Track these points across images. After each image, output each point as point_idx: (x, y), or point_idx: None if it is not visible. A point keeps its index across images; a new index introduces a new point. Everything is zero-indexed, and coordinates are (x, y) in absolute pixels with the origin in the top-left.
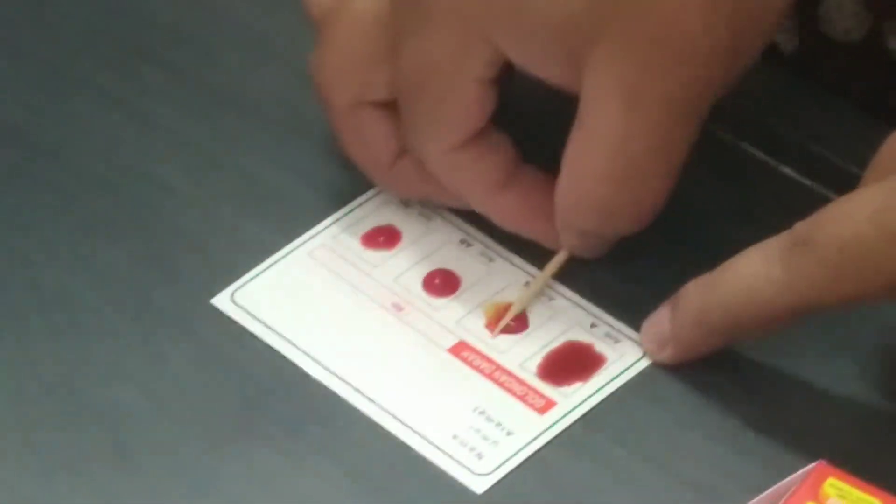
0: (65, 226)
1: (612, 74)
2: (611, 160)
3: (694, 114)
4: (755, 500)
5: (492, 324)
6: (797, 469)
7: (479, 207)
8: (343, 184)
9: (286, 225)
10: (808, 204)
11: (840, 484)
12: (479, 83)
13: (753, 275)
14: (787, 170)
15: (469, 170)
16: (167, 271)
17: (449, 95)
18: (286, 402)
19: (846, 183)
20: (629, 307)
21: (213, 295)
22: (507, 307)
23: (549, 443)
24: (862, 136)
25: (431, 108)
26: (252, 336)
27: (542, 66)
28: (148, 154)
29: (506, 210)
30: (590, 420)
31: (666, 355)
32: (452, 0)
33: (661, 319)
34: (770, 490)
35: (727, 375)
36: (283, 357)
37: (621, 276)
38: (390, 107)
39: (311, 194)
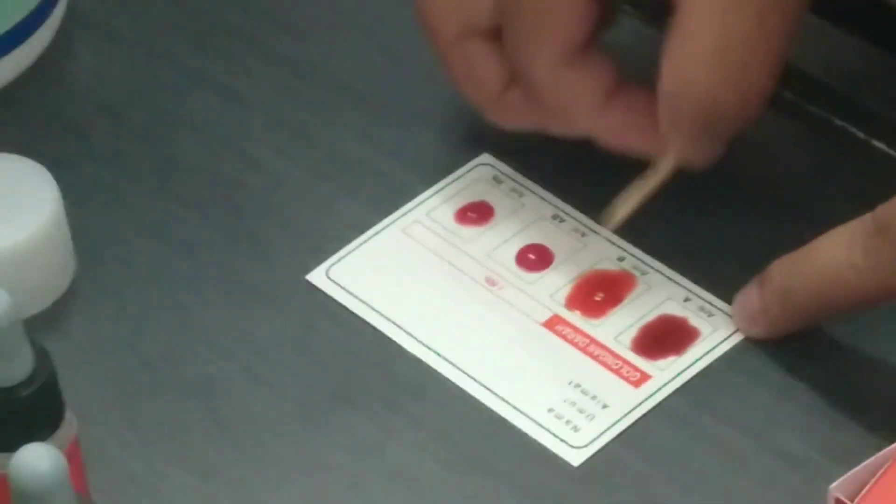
0: (160, 204)
1: None
2: (711, 47)
3: (789, 4)
4: (851, 472)
5: (576, 299)
6: (893, 442)
7: (585, 124)
8: (435, 159)
9: (379, 201)
10: None
11: None
12: None
13: (836, 259)
14: (878, 143)
15: (574, 86)
16: (261, 248)
17: (551, 8)
18: (381, 376)
19: None
20: (722, 281)
21: (308, 271)
22: (598, 274)
23: (645, 416)
24: None
25: (534, 22)
26: (346, 310)
27: None
28: (240, 132)
29: (612, 124)
30: (685, 393)
31: (757, 331)
32: None
33: (750, 296)
34: (865, 462)
35: (823, 349)
36: (378, 331)
37: (713, 250)
38: (496, 38)
39: (404, 170)
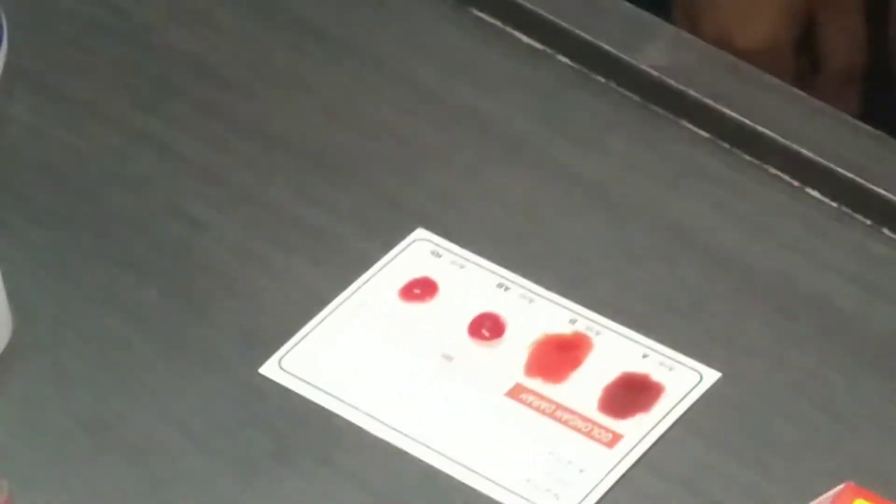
0: (99, 264)
1: None
2: None
3: None
4: None
5: (535, 365)
6: (825, 491)
7: None
8: (373, 214)
9: (318, 259)
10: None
11: None
12: None
13: None
14: (812, 191)
15: None
16: (198, 307)
17: None
18: (342, 450)
19: None
20: (678, 336)
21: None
22: (553, 339)
23: (624, 476)
24: None
25: None
26: (304, 399)
27: None
28: (179, 190)
29: None
30: (661, 449)
31: None
32: None
33: None
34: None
35: (758, 399)
36: (342, 418)
37: (660, 302)
38: None
39: (342, 225)
